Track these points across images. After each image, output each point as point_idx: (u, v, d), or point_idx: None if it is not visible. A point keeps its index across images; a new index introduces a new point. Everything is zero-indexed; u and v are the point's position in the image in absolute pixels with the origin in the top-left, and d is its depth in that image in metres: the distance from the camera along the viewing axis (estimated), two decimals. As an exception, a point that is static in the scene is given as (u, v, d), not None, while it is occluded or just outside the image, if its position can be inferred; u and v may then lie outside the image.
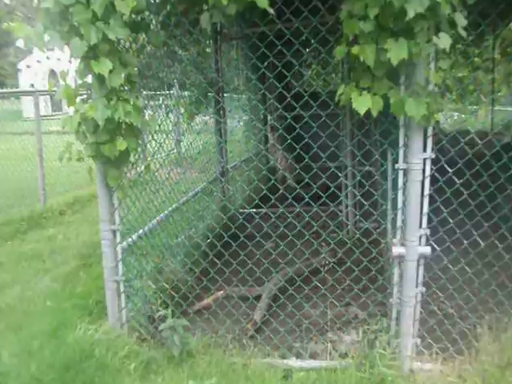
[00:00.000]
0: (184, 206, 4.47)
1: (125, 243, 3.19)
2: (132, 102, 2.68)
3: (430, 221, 2.72)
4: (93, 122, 2.59)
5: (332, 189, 3.58)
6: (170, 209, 4.13)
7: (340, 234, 4.92)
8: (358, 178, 3.50)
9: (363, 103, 2.47)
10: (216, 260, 3.42)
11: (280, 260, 3.49)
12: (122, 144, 2.68)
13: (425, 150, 2.62)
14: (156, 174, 3.94)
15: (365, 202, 3.32)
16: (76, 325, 3.14)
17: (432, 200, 2.71)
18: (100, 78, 2.55)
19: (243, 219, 4.07)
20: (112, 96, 2.60)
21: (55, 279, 4.32)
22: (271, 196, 3.34)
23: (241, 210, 5.30)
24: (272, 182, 3.67)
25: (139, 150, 3.28)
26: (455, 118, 13.41)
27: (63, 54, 2.47)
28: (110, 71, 2.50)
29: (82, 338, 2.97)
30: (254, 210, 5.01)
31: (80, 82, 2.63)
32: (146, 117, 3.14)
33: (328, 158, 3.32)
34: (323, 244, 4.32)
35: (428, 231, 2.70)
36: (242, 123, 6.85)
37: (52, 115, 16.62)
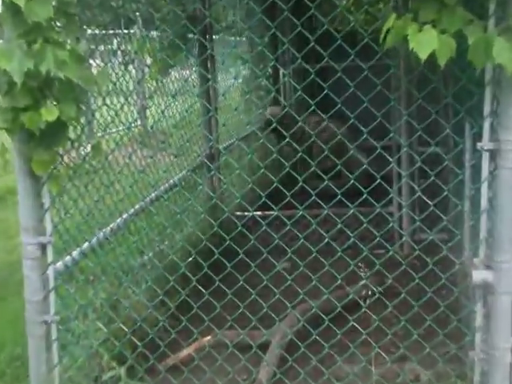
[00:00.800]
0: (153, 207, 4.51)
1: (60, 264, 3.18)
2: (69, 47, 2.66)
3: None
4: (6, 76, 2.55)
5: (378, 180, 3.53)
6: (131, 211, 4.18)
7: (390, 249, 4.87)
8: (419, 163, 3.47)
9: (426, 43, 2.39)
10: (201, 288, 3.44)
11: (298, 288, 3.52)
12: (52, 111, 2.63)
13: (525, 120, 2.61)
14: (110, 157, 3.97)
15: (428, 201, 3.31)
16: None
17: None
18: (14, 8, 2.51)
19: (243, 226, 4.04)
20: (35, 36, 2.56)
21: None
22: (285, 191, 3.34)
23: (239, 213, 5.38)
24: (287, 170, 3.64)
25: (82, 120, 3.37)
26: None
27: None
28: (30, -4, 2.49)
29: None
30: (259, 212, 5.02)
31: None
32: (93, 70, 3.16)
33: (372, 134, 3.30)
34: (365, 265, 4.27)
35: (530, 247, 2.68)
36: (240, 81, 6.85)
37: None
